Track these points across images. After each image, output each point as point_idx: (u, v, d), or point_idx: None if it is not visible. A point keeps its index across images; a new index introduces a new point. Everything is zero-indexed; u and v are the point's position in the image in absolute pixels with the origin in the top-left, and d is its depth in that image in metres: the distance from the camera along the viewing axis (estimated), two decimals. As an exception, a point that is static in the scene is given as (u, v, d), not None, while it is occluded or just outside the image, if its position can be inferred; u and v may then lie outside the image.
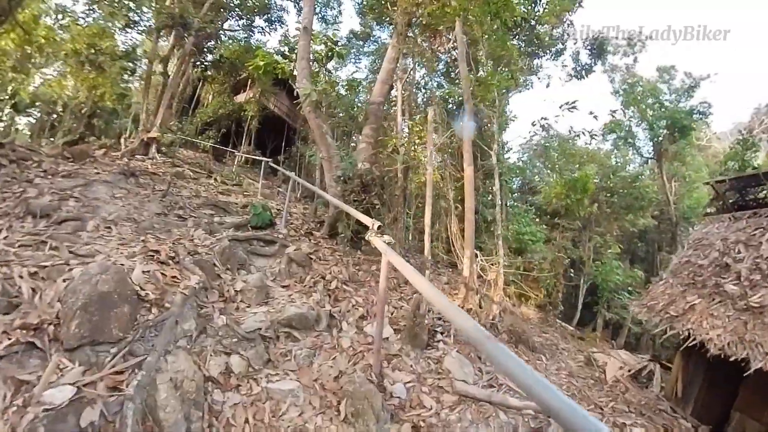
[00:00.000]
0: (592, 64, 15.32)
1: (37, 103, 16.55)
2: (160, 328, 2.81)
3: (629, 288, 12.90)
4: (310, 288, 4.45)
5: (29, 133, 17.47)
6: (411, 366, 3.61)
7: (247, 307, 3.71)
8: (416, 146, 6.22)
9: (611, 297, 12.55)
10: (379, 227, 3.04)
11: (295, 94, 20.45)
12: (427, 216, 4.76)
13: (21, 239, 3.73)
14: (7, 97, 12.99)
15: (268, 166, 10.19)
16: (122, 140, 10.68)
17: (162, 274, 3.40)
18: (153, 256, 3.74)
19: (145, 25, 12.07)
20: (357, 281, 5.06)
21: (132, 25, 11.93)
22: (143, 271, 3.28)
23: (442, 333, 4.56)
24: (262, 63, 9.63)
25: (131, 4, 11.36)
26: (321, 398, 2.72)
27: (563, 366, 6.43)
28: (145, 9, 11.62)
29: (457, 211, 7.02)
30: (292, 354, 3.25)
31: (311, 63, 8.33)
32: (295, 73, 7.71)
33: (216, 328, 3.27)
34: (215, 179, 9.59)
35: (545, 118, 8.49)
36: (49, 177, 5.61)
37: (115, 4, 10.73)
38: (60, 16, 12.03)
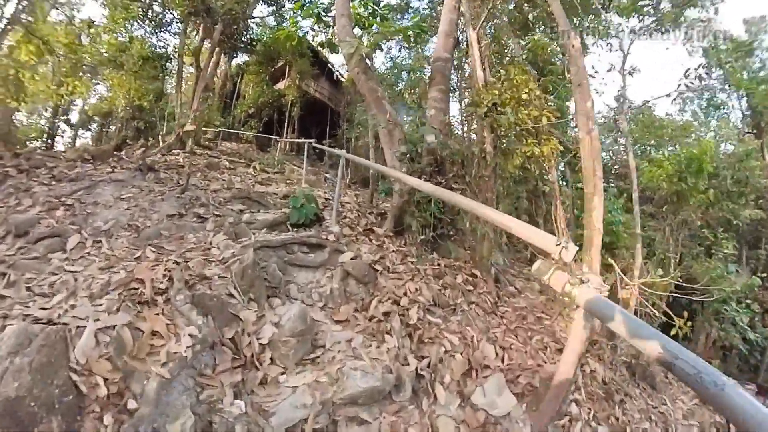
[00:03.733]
0: (679, 14, 11.63)
1: (94, 117, 17.06)
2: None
3: (744, 298, 9.37)
4: (378, 322, 2.83)
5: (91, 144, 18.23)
6: None
7: (282, 373, 2.17)
8: (515, 103, 4.24)
9: (720, 308, 9.25)
10: (571, 250, 1.27)
11: (335, 77, 19.61)
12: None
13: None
14: (59, 113, 13.01)
15: (313, 149, 8.82)
16: (160, 137, 9.93)
17: (136, 330, 1.97)
18: (135, 290, 2.36)
19: (176, 27, 11.46)
20: (445, 305, 3.36)
21: (162, 27, 11.29)
22: (99, 329, 1.86)
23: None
24: (293, 29, 8.16)
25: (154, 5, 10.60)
26: None
27: (685, 409, 4.46)
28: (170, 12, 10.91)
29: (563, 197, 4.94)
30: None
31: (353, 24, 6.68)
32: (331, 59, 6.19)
33: (228, 425, 1.77)
34: (254, 168, 8.39)
35: (705, 65, 5.85)
36: (54, 183, 4.66)
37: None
38: (88, 29, 11.64)
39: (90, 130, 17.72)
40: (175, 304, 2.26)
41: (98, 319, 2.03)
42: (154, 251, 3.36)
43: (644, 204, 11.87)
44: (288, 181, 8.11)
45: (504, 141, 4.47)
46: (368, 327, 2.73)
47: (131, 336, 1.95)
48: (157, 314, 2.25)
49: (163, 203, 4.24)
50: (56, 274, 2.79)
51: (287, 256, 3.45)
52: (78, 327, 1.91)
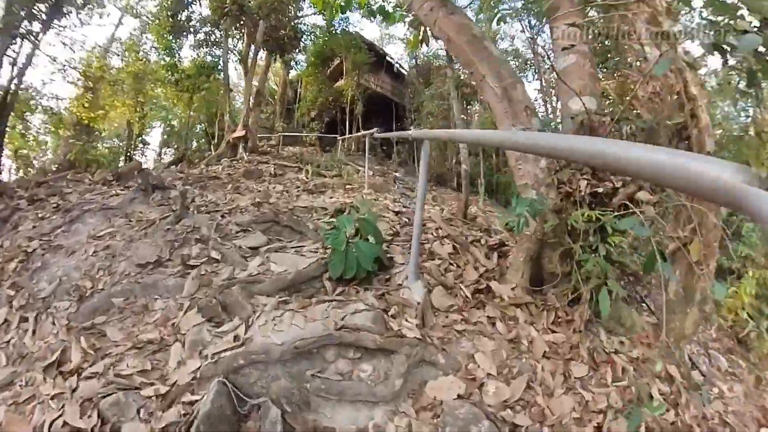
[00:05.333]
0: None
1: (173, 134, 17.92)
2: None
3: None
4: None
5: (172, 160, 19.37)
6: None
7: None
8: None
9: None
10: None
11: (395, 70, 17.87)
12: None
13: None
14: (133, 134, 13.46)
15: (380, 145, 7.05)
16: (211, 146, 9.11)
17: None
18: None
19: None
20: None
21: (208, 43, 10.69)
22: None
23: None
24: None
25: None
26: None
27: None
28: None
29: None
30: None
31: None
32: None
33: None
34: (306, 172, 6.85)
35: None
36: (47, 217, 3.58)
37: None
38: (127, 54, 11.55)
39: (169, 146, 18.55)
40: None
41: None
42: (82, 347, 1.83)
43: None
44: (347, 186, 6.38)
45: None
46: None
47: None
48: None
49: (143, 241, 2.70)
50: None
51: (311, 379, 1.54)
52: None
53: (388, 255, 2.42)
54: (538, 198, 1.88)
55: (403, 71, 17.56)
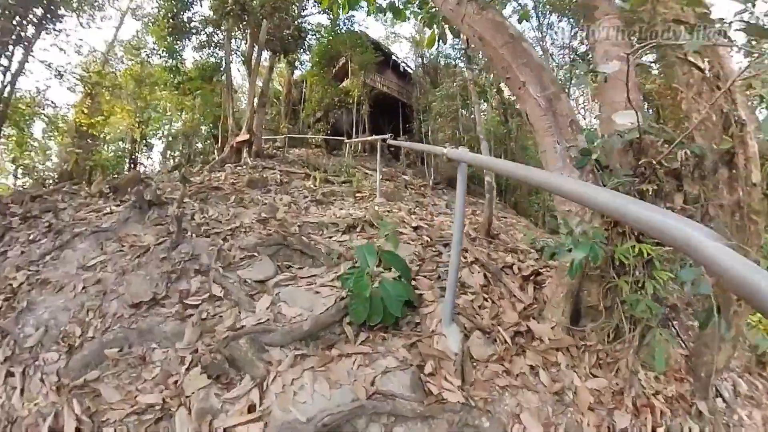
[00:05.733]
0: None
1: (178, 138, 17.72)
2: None
3: None
4: None
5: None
6: None
7: None
8: None
9: None
10: None
11: (401, 69, 17.50)
12: None
13: None
14: (135, 139, 13.26)
15: (386, 145, 6.74)
16: (215, 149, 8.86)
17: None
18: None
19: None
20: None
21: (210, 44, 10.40)
22: None
23: None
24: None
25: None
26: None
27: None
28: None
29: None
30: None
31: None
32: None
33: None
34: (314, 179, 6.57)
35: None
36: (37, 240, 3.27)
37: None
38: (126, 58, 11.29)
39: (173, 150, 18.38)
40: None
41: None
42: (75, 413, 1.56)
43: None
44: (357, 195, 6.11)
45: None
46: None
47: None
48: None
49: (137, 273, 2.43)
50: None
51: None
52: None
53: (416, 291, 2.13)
54: (597, 236, 1.58)
55: (409, 71, 17.26)
